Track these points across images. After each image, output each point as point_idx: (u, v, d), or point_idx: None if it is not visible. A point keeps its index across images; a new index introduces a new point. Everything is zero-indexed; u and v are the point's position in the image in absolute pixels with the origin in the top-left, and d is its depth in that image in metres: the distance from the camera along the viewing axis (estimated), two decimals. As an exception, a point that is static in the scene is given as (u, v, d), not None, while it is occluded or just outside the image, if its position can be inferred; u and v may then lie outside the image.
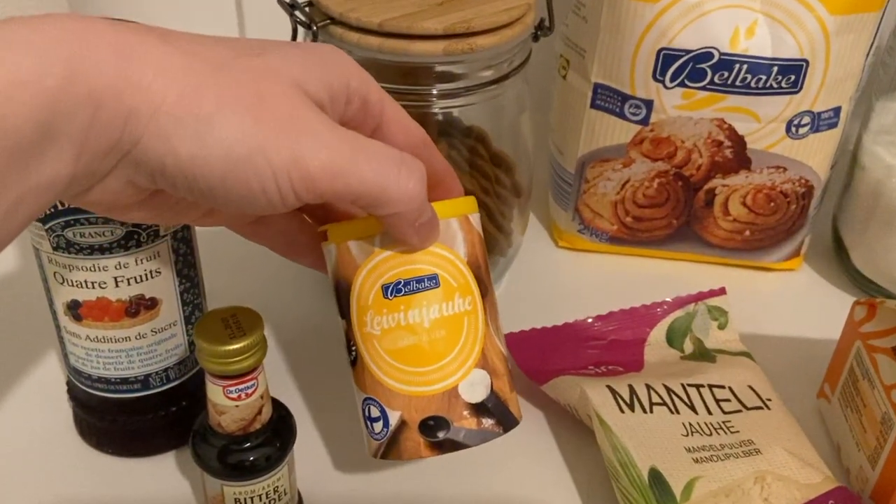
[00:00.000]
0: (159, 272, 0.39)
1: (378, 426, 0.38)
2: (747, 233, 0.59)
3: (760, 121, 0.53)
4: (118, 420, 0.44)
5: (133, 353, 0.41)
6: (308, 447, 0.45)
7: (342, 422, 0.48)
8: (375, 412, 0.38)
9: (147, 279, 0.39)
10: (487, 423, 0.37)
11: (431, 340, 0.36)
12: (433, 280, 0.36)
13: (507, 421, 0.38)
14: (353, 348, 0.37)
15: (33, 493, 0.43)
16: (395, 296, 0.36)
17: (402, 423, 0.37)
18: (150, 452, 0.45)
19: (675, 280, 0.58)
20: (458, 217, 0.37)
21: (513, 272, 0.60)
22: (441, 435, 0.36)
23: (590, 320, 0.51)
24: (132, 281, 0.39)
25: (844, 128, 0.55)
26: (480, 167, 0.54)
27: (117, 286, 0.38)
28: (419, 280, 0.36)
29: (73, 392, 0.45)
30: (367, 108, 0.33)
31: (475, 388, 0.37)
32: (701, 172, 0.56)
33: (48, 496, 0.43)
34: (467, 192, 0.54)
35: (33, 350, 0.52)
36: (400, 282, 0.35)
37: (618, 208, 0.59)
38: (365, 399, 0.38)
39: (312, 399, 0.49)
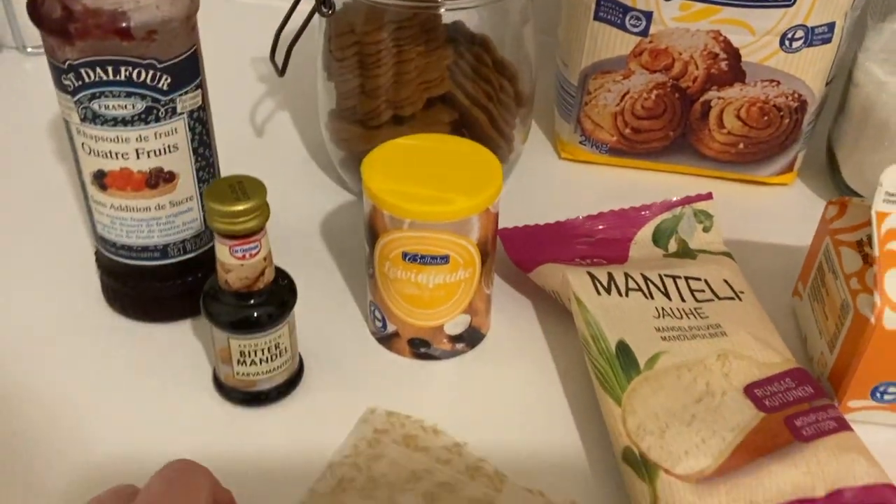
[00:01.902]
0: (176, 147, 0.43)
1: (378, 324, 0.48)
2: (741, 146, 0.61)
3: (755, 33, 0.55)
4: (140, 286, 0.48)
5: (153, 223, 0.45)
6: (313, 320, 0.48)
7: (349, 302, 0.52)
8: (378, 315, 0.47)
9: (165, 153, 0.43)
10: (459, 346, 0.48)
11: (432, 296, 0.45)
12: (444, 259, 0.43)
13: (475, 340, 0.49)
14: (372, 270, 0.46)
15: (64, 355, 0.47)
16: (411, 262, 0.44)
17: (396, 333, 0.47)
18: (169, 318, 0.49)
19: (670, 191, 0.60)
20: (479, 212, 0.43)
21: (516, 180, 0.63)
22: (423, 350, 0.48)
23: (580, 218, 0.54)
24: (152, 154, 0.42)
25: (839, 44, 0.57)
26: (485, 74, 0.57)
27: (138, 158, 0.42)
28: (433, 257, 0.43)
29: (100, 261, 0.49)
30: None
31: (457, 326, 0.47)
32: (697, 84, 0.59)
33: (77, 357, 0.47)
34: (471, 99, 0.57)
35: (65, 226, 0.56)
36: (417, 255, 0.43)
37: (617, 120, 0.62)
38: (373, 302, 0.48)
39: (324, 282, 0.53)
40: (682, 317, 0.45)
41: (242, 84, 0.72)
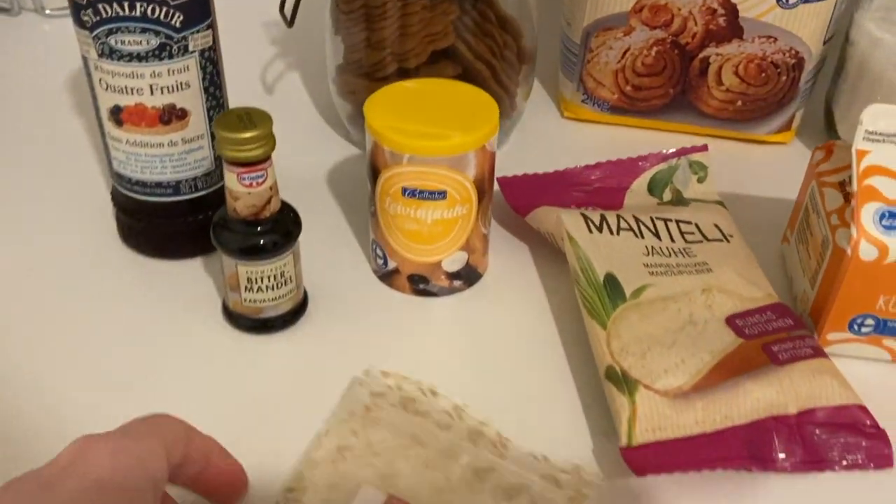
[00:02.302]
0: (188, 85, 0.45)
1: (380, 261, 0.50)
2: (739, 103, 0.62)
3: (752, -11, 0.57)
4: (153, 223, 0.50)
5: (166, 159, 0.47)
6: (318, 260, 0.51)
7: (352, 244, 0.54)
8: (380, 252, 0.49)
9: (178, 90, 0.45)
10: (457, 283, 0.50)
11: (430, 232, 0.47)
12: (442, 194, 0.45)
13: (472, 279, 0.51)
14: (373, 207, 0.48)
15: (81, 290, 0.50)
16: (410, 197, 0.45)
17: (396, 270, 0.49)
18: (181, 255, 0.51)
19: (670, 148, 0.63)
20: (475, 149, 0.44)
21: (518, 139, 0.65)
22: (421, 286, 0.50)
23: (578, 168, 0.56)
24: (165, 90, 0.45)
25: (837, 2, 0.58)
26: (488, 30, 0.59)
27: (152, 94, 0.45)
28: (431, 192, 0.45)
29: (116, 199, 0.51)
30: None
31: (454, 263, 0.49)
32: (696, 41, 0.60)
33: (94, 292, 0.50)
34: (475, 54, 0.59)
35: (82, 173, 0.59)
36: (416, 190, 0.45)
37: (618, 77, 0.64)
38: (374, 241, 0.50)
39: (330, 227, 0.55)
40: (670, 255, 0.47)
41: (252, 41, 0.75)
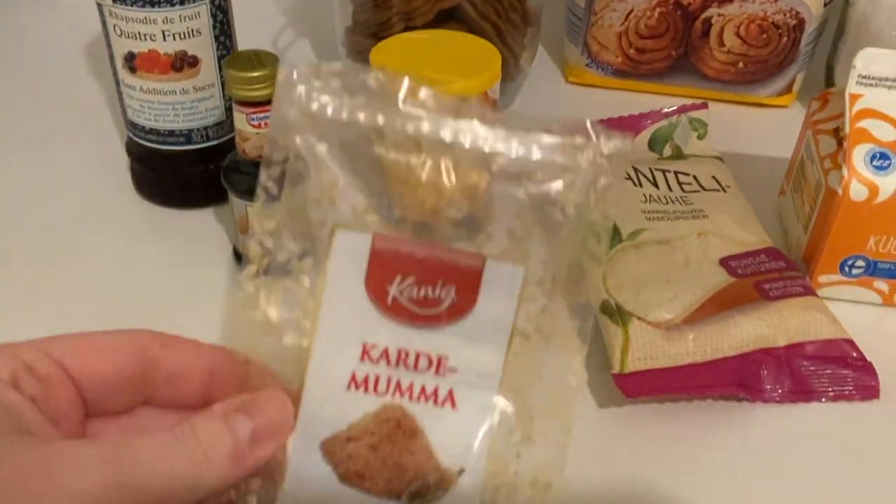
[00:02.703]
0: (200, 32, 0.47)
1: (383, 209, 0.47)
2: (741, 64, 0.63)
3: (753, -51, 0.58)
4: (166, 172, 0.52)
5: (178, 107, 0.49)
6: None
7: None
8: (383, 201, 0.48)
9: (189, 37, 0.47)
10: (461, 232, 0.46)
11: None
12: None
13: (475, 234, 0.48)
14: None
15: (95, 240, 0.51)
16: None
17: (402, 219, 0.46)
18: (193, 204, 0.53)
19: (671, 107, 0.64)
20: (477, 94, 0.45)
21: (522, 103, 0.66)
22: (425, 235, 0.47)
23: (580, 125, 0.57)
24: (177, 36, 0.46)
25: (837, -37, 0.59)
26: (494, -9, 0.60)
27: (164, 40, 0.46)
28: None
29: (130, 148, 0.53)
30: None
31: (458, 212, 0.46)
32: (698, 1, 0.61)
33: (108, 241, 0.51)
34: (480, 14, 0.60)
35: (98, 127, 0.61)
36: None
37: (622, 40, 0.65)
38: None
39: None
40: (667, 203, 0.48)
41: (261, 5, 0.76)
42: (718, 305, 0.41)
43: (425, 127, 0.30)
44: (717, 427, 0.39)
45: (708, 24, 0.62)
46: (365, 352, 0.29)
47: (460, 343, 0.29)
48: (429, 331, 0.30)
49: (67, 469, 0.23)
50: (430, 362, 0.29)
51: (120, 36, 0.46)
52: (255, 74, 0.42)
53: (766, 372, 0.39)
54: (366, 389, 0.29)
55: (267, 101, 0.43)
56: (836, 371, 0.40)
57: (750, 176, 0.55)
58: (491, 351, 0.29)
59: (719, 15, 0.61)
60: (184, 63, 0.47)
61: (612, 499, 0.36)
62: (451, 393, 0.29)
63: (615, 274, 0.43)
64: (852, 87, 0.43)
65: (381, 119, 0.29)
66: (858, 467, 0.38)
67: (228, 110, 0.51)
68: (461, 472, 0.29)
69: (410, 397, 0.29)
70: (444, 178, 0.31)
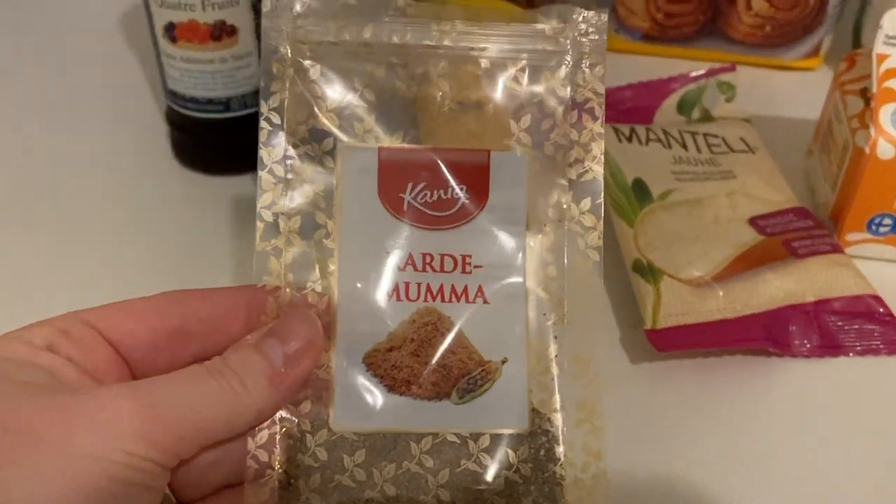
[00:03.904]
0: (237, 2, 0.48)
1: None
2: (768, 28, 0.64)
3: (781, -89, 0.58)
4: (205, 139, 0.53)
5: (217, 76, 0.50)
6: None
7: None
8: None
9: (228, 6, 0.48)
10: None
11: None
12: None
13: None
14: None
15: (135, 206, 0.53)
16: None
17: None
18: (231, 171, 0.54)
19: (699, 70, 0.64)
20: None
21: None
22: None
23: (609, 88, 0.58)
24: (216, 6, 0.47)
25: (866, -76, 0.59)
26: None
27: (204, 10, 0.47)
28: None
29: (169, 116, 0.55)
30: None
31: None
32: (725, -35, 0.61)
33: (148, 208, 0.53)
34: (508, -21, 0.61)
35: (138, 97, 0.62)
36: None
37: (650, 5, 0.65)
38: None
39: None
40: (696, 164, 0.49)
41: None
42: (748, 263, 0.42)
43: (409, 36, 0.31)
44: (747, 380, 0.41)
45: (736, -13, 0.62)
46: (391, 261, 0.30)
47: (480, 239, 0.30)
48: (448, 232, 0.30)
49: (99, 408, 0.23)
50: (455, 262, 0.30)
51: (160, 6, 0.48)
52: (295, 42, 0.43)
53: (794, 327, 0.40)
54: (398, 298, 0.30)
55: (306, 69, 0.44)
56: (863, 326, 0.41)
57: (778, 137, 0.56)
58: (510, 240, 0.30)
59: (747, -22, 0.62)
60: (223, 32, 0.49)
61: (646, 452, 0.38)
62: (480, 289, 0.30)
63: (646, 232, 0.44)
64: (879, 48, 0.43)
65: (367, 34, 0.30)
66: (884, 420, 0.39)
67: (265, 79, 0.52)
68: (504, 361, 0.30)
69: (443, 299, 0.30)
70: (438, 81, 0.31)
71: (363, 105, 0.31)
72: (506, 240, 0.30)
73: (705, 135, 0.52)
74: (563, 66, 0.32)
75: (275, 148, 0.32)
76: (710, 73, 0.58)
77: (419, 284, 0.30)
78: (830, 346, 0.41)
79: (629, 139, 0.50)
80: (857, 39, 0.65)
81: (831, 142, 0.49)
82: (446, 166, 0.31)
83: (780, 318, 0.40)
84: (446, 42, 0.31)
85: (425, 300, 0.30)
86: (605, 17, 0.31)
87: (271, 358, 0.26)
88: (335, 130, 0.31)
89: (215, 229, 0.51)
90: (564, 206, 0.31)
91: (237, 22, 0.49)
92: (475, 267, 0.30)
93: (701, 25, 0.65)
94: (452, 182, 0.31)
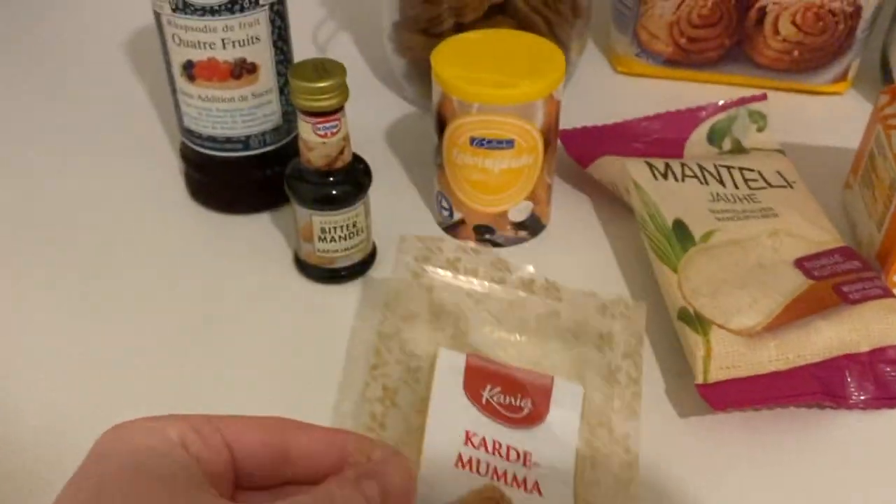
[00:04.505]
0: (258, 39, 0.46)
1: (445, 213, 0.51)
2: (795, 53, 0.62)
3: (812, -65, 0.56)
4: (223, 178, 0.52)
5: (236, 114, 0.48)
6: (382, 214, 0.52)
7: (415, 199, 0.55)
8: (445, 204, 0.50)
9: (248, 44, 0.46)
10: (522, 233, 0.51)
11: (497, 182, 0.47)
12: (509, 143, 0.46)
13: (537, 229, 0.51)
14: (440, 159, 0.49)
15: (148, 244, 0.51)
16: (478, 147, 0.46)
17: (462, 220, 0.50)
18: (250, 210, 0.53)
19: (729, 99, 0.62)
20: (543, 97, 0.45)
21: (572, 95, 0.65)
22: (487, 236, 0.50)
23: (637, 119, 0.57)
24: (237, 44, 0.46)
25: (897, -52, 0.58)
26: (544, -16, 0.59)
27: (224, 48, 0.46)
28: (499, 141, 0.46)
29: (185, 154, 0.53)
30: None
31: (520, 212, 0.49)
32: (753, -10, 0.60)
33: (161, 247, 0.51)
34: (530, 6, 0.59)
35: (146, 128, 0.60)
36: (484, 139, 0.46)
37: (673, 29, 0.63)
38: (440, 192, 0.51)
39: (392, 182, 0.56)
40: (735, 201, 0.48)
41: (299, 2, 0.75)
42: (799, 311, 0.40)
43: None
44: (801, 432, 0.39)
45: (763, 12, 0.61)
46: (468, 438, 0.36)
47: (540, 444, 0.36)
48: (515, 430, 0.37)
49: None
50: (518, 455, 0.36)
51: (178, 45, 0.46)
52: (323, 85, 0.41)
53: (850, 378, 0.39)
54: (470, 469, 0.35)
55: (334, 111, 0.42)
56: (921, 376, 0.39)
57: (813, 168, 0.54)
58: (564, 453, 0.36)
59: (775, 3, 0.60)
60: (243, 70, 0.47)
61: (699, 510, 0.36)
62: (536, 483, 0.35)
63: (689, 277, 0.42)
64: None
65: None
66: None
67: (286, 115, 0.50)
68: None
69: (505, 482, 0.35)
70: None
71: (454, 325, 0.42)
72: (560, 451, 0.36)
73: (741, 169, 0.50)
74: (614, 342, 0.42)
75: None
76: (741, 102, 0.56)
77: (488, 464, 0.35)
78: (887, 398, 0.39)
79: (664, 175, 0.48)
80: (885, 63, 0.64)
81: (875, 177, 0.47)
82: (517, 380, 0.38)
83: (835, 369, 0.39)
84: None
85: (492, 478, 0.35)
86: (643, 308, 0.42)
87: (368, 495, 0.28)
88: (434, 338, 0.41)
89: (236, 269, 0.49)
90: (611, 431, 0.38)
91: (258, 59, 0.47)
92: (534, 464, 0.36)
93: (726, 50, 0.63)
94: (521, 394, 0.38)
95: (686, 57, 0.65)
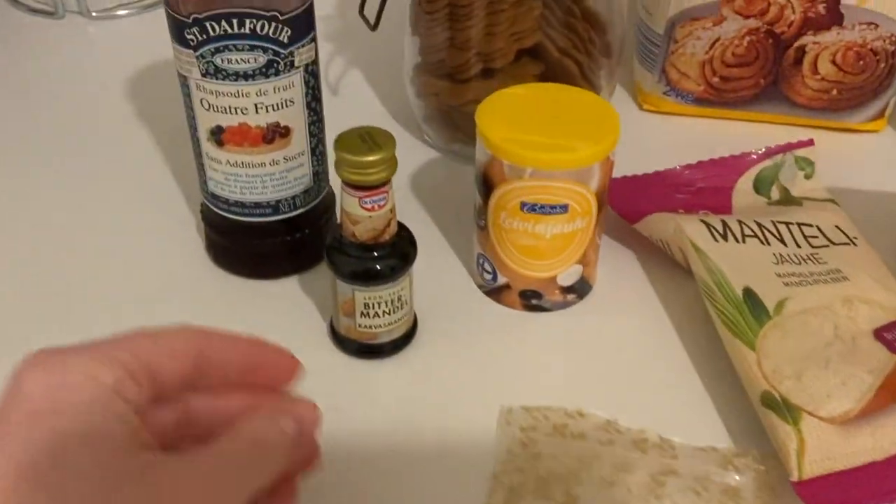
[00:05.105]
0: (292, 102, 0.43)
1: (488, 276, 0.47)
2: (834, 92, 0.60)
3: (857, -26, 0.54)
4: (250, 243, 0.48)
5: (267, 179, 0.45)
6: (416, 275, 0.48)
7: (449, 255, 0.52)
8: (488, 268, 0.47)
9: (282, 108, 0.43)
10: (570, 297, 0.48)
11: (548, 247, 0.45)
12: (563, 208, 0.43)
13: (584, 291, 0.48)
14: (484, 221, 0.46)
15: (168, 313, 0.48)
16: (530, 212, 0.43)
17: (507, 285, 0.47)
18: (277, 275, 0.49)
19: (759, 141, 0.60)
20: (600, 161, 0.42)
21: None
22: (534, 301, 0.47)
23: (678, 168, 0.54)
24: (270, 108, 0.42)
25: (940, -15, 0.56)
26: (573, 25, 0.56)
27: (257, 112, 0.42)
28: (552, 206, 0.43)
29: (207, 217, 0.49)
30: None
31: (570, 276, 0.47)
32: (792, 29, 0.58)
33: (183, 315, 0.47)
34: (562, 51, 0.56)
35: (157, 186, 0.56)
36: (537, 204, 0.43)
37: (705, 68, 0.61)
38: (482, 255, 0.47)
39: (421, 237, 0.53)
40: (800, 262, 0.45)
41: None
42: (893, 394, 0.37)
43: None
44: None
45: (802, 51, 0.58)
46: None
47: None
48: None
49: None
50: None
51: (207, 110, 0.42)
52: (372, 159, 0.38)
53: (950, 465, 0.36)
54: None
55: (382, 184, 0.39)
56: None
57: (867, 217, 0.52)
58: None
59: (814, 42, 0.58)
60: (276, 134, 0.43)
61: None
62: None
63: (768, 355, 0.40)
64: None
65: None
66: None
67: (316, 176, 0.47)
68: None
69: None
70: None
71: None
72: None
73: (799, 224, 0.48)
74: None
75: None
76: (787, 148, 0.54)
77: None
78: None
79: (724, 236, 0.46)
80: (921, 98, 0.62)
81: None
82: None
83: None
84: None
85: None
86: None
87: (286, 432, 0.30)
88: None
89: (265, 334, 0.46)
90: None
91: (291, 122, 0.44)
92: None
93: (761, 89, 0.61)
94: None
95: (718, 96, 0.62)
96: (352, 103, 0.66)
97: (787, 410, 0.37)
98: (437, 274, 0.50)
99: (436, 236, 0.53)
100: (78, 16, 0.76)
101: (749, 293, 0.42)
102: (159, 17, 0.76)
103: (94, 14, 0.76)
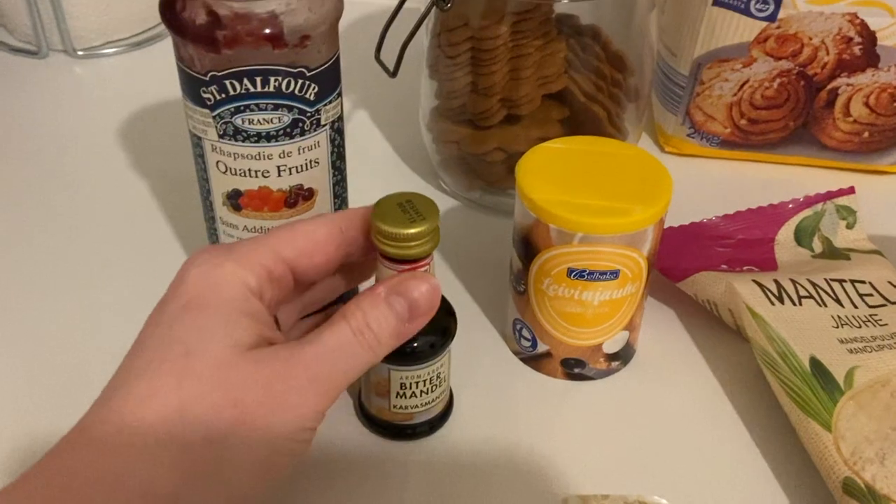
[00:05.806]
0: (317, 162, 0.39)
1: (526, 343, 0.44)
2: (866, 134, 0.58)
3: (895, 15, 0.52)
4: (266, 313, 0.44)
5: (287, 245, 0.41)
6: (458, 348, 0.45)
7: (479, 317, 0.48)
8: (527, 334, 0.44)
9: (307, 169, 0.39)
10: (615, 364, 0.45)
11: (595, 314, 0.41)
12: (614, 274, 0.40)
13: (629, 357, 0.45)
14: (524, 286, 0.42)
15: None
16: (577, 278, 0.40)
17: (548, 353, 0.44)
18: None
19: (787, 184, 0.58)
20: (654, 223, 0.39)
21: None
22: (577, 370, 0.44)
23: (714, 219, 0.51)
24: (293, 170, 0.39)
25: (977, 24, 0.54)
26: (597, 68, 0.53)
27: (279, 175, 0.38)
28: (602, 272, 0.40)
29: (219, 286, 0.45)
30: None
31: (616, 343, 0.44)
32: (826, 71, 0.55)
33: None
34: (588, 95, 0.53)
35: (160, 234, 0.52)
36: (585, 271, 0.40)
37: (733, 110, 0.58)
38: (521, 321, 0.44)
39: (458, 294, 0.49)
40: (860, 325, 0.42)
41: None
42: None
43: None
44: None
45: (834, 94, 0.56)
46: None
47: None
48: None
49: (289, 391, 0.30)
50: None
51: (224, 172, 0.39)
52: (414, 231, 0.34)
53: None
54: None
55: (424, 257, 0.35)
56: None
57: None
58: None
59: (848, 84, 0.55)
60: (299, 198, 0.40)
61: None
62: None
63: (845, 436, 0.37)
64: None
65: None
66: None
67: (338, 239, 0.43)
68: None
69: None
70: None
71: None
72: None
73: (852, 281, 0.45)
74: None
75: None
76: (827, 197, 0.51)
77: None
78: None
79: (780, 298, 0.43)
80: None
81: None
82: None
83: None
84: None
85: None
86: None
87: (399, 313, 0.33)
88: None
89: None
90: None
91: (316, 184, 0.40)
92: None
93: (790, 132, 0.59)
94: None
95: (745, 138, 0.60)
96: (361, 148, 0.62)
97: (874, 500, 0.34)
98: (466, 335, 0.47)
99: (460, 293, 0.50)
100: (62, 55, 0.72)
101: (816, 364, 0.39)
102: (147, 56, 0.73)
103: (79, 53, 0.72)
